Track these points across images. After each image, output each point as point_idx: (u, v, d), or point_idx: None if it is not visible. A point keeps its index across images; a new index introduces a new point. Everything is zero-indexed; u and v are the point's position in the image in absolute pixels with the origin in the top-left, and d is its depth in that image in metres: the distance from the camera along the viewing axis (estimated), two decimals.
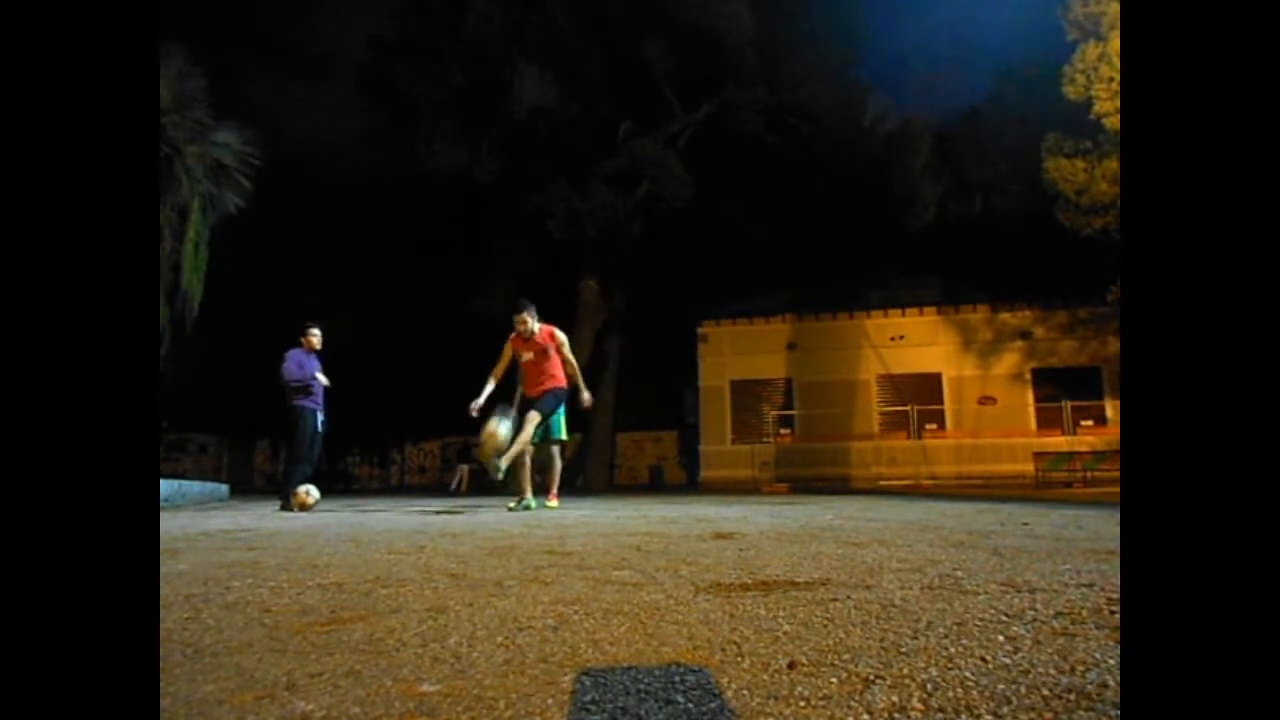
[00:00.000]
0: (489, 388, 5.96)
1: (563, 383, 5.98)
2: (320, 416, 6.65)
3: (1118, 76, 11.66)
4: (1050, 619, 1.27)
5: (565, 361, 6.01)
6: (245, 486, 22.01)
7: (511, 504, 5.81)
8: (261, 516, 5.04)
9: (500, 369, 6.00)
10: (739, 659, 1.05)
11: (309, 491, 6.16)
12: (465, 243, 19.88)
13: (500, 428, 5.54)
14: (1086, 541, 2.52)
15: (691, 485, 18.96)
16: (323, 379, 6.65)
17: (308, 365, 6.59)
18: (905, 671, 0.97)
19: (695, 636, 1.19)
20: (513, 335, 5.94)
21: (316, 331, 6.75)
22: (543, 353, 5.90)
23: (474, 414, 5.86)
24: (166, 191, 12.48)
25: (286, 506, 6.21)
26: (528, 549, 2.56)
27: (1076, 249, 14.23)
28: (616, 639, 1.19)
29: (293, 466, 6.55)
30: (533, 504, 5.78)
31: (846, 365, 17.97)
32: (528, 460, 5.87)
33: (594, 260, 18.74)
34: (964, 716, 0.80)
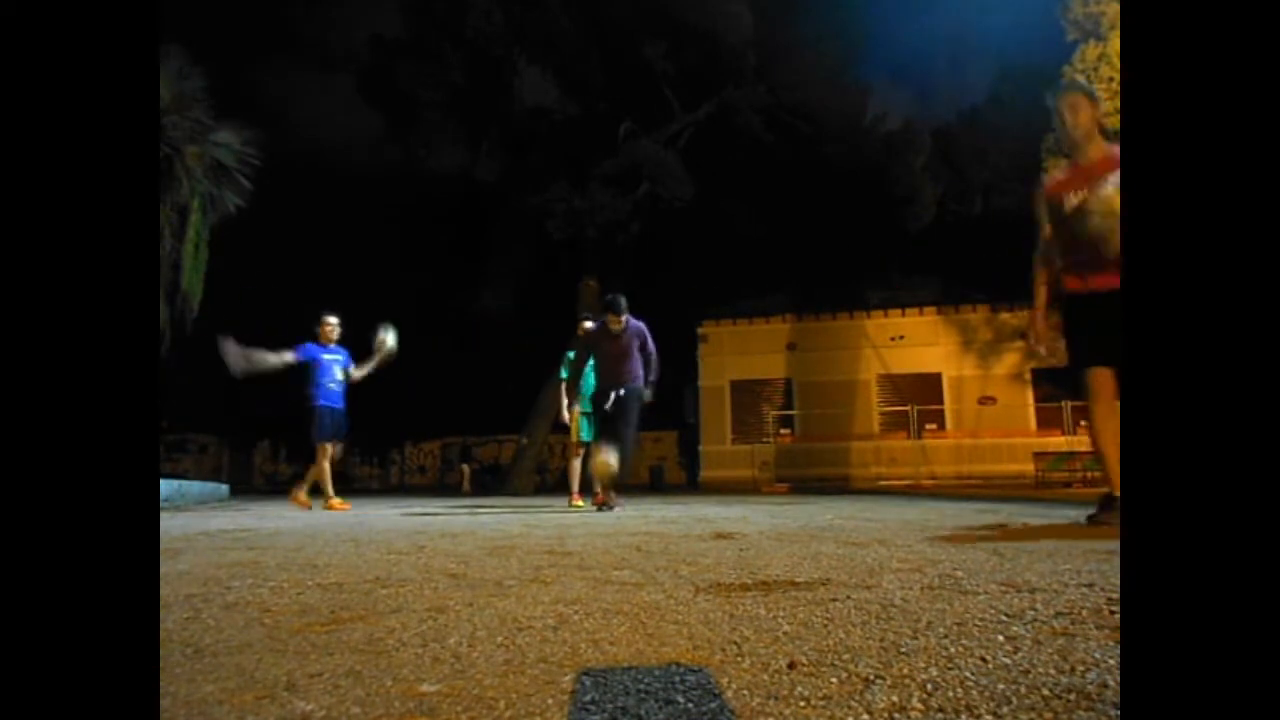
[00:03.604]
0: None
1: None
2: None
3: (1118, 76, 11.65)
4: (1050, 619, 1.27)
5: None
6: (245, 486, 21.99)
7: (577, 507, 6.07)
8: (262, 516, 5.03)
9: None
10: (739, 659, 1.05)
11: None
12: (465, 243, 19.87)
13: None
14: (1086, 541, 2.51)
15: (691, 485, 18.95)
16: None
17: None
18: (905, 671, 0.97)
19: (695, 636, 1.19)
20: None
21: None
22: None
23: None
24: (166, 191, 12.46)
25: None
26: (528, 549, 2.56)
27: None
28: (616, 639, 1.18)
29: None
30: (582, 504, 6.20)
31: (846, 365, 17.98)
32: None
33: (594, 260, 18.74)
34: (964, 716, 0.80)
